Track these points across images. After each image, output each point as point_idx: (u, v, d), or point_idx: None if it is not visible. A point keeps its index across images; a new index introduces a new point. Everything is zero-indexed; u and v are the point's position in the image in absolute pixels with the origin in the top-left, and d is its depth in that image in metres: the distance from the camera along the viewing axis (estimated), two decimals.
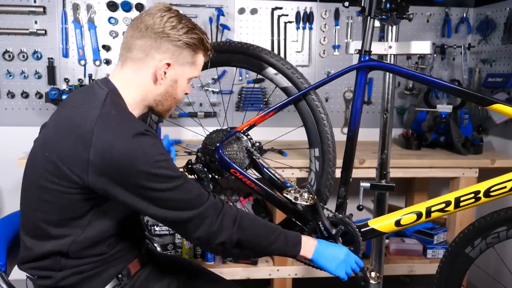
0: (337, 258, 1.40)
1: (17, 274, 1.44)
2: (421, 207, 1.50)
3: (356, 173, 1.90)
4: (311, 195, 1.49)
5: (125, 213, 1.29)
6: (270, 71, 1.68)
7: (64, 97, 2.65)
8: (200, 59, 1.33)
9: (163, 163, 1.17)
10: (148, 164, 1.14)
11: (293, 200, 1.50)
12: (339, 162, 1.64)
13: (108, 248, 1.29)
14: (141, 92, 1.29)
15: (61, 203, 1.20)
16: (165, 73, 1.27)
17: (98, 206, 1.23)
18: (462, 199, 1.44)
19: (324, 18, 2.99)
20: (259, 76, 1.70)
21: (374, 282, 1.53)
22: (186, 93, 1.39)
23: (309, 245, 1.39)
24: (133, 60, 1.27)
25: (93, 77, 2.81)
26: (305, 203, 1.49)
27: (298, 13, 2.96)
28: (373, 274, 1.51)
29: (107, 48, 2.85)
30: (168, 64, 1.27)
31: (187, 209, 1.21)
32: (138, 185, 1.15)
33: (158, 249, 1.74)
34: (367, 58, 1.58)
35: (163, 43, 1.25)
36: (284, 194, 1.53)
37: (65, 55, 2.83)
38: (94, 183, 1.15)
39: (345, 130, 2.96)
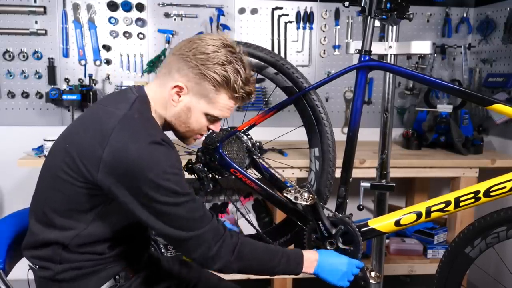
0: (339, 270, 1.40)
1: (17, 274, 1.44)
2: (421, 207, 1.49)
3: (356, 173, 1.90)
4: (311, 195, 1.49)
5: (131, 219, 1.27)
6: (270, 70, 1.68)
7: (64, 97, 2.66)
8: (222, 99, 1.26)
9: (171, 176, 1.16)
10: (156, 174, 1.13)
11: (293, 200, 1.50)
12: (339, 162, 1.63)
13: (108, 248, 1.29)
14: (163, 106, 1.28)
15: (69, 195, 1.21)
16: (179, 95, 1.25)
17: (104, 205, 1.23)
18: (462, 199, 1.44)
19: (324, 18, 2.99)
20: (259, 76, 1.70)
21: (374, 282, 1.53)
22: (209, 129, 1.34)
23: (311, 261, 1.38)
24: (161, 73, 1.29)
25: (93, 77, 2.82)
26: (305, 202, 1.49)
27: (298, 13, 2.96)
28: (372, 274, 1.51)
29: (107, 48, 2.85)
30: (181, 88, 1.24)
31: (186, 228, 1.19)
32: (142, 192, 1.14)
33: (163, 250, 1.74)
34: (367, 58, 1.58)
35: (184, 66, 1.23)
36: (284, 194, 1.53)
37: (66, 55, 2.83)
38: (102, 180, 1.16)
39: (345, 130, 2.96)
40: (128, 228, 1.30)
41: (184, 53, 1.24)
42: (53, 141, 2.34)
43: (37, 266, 1.29)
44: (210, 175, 1.71)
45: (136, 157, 1.12)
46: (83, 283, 1.27)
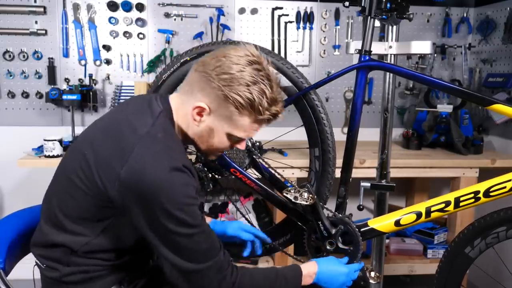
0: (338, 279, 1.41)
1: (17, 274, 1.45)
2: (421, 207, 1.49)
3: (356, 173, 1.90)
4: (311, 195, 1.50)
5: (140, 235, 1.24)
6: None
7: (64, 97, 2.66)
8: (246, 121, 1.20)
9: (186, 207, 1.13)
10: (171, 203, 1.10)
11: (293, 200, 1.50)
12: (339, 162, 1.64)
13: (116, 257, 1.28)
14: (185, 122, 1.24)
15: (81, 202, 1.20)
16: (201, 116, 1.20)
17: (114, 217, 1.22)
18: (461, 199, 1.44)
19: (324, 18, 2.99)
20: None
21: (373, 282, 1.53)
22: (233, 147, 1.31)
23: (309, 275, 1.38)
24: (183, 90, 1.25)
25: (93, 77, 2.82)
26: (305, 202, 1.49)
27: (298, 13, 2.96)
28: (372, 274, 1.52)
29: (107, 48, 2.85)
30: (203, 109, 1.19)
31: (191, 260, 1.17)
32: (155, 217, 1.12)
33: None
34: (367, 58, 1.58)
35: (207, 86, 1.17)
36: (284, 194, 1.53)
37: (66, 55, 2.83)
38: (116, 197, 1.14)
39: (345, 130, 2.96)
40: (138, 240, 1.28)
41: (207, 72, 1.17)
42: (53, 141, 2.39)
43: (44, 265, 1.29)
44: (210, 175, 1.71)
45: (154, 183, 1.09)
46: (89, 286, 1.27)
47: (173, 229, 1.13)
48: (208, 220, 1.58)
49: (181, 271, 1.19)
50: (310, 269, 1.39)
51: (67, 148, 2.50)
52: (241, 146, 1.30)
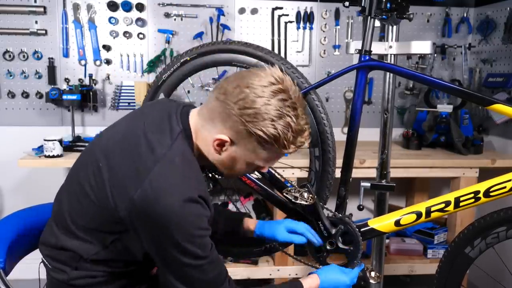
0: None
1: (17, 274, 1.45)
2: (421, 207, 1.49)
3: (356, 173, 1.90)
4: (311, 195, 1.50)
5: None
6: None
7: (64, 97, 2.66)
8: (269, 154, 1.17)
9: (197, 239, 1.11)
10: (182, 235, 1.09)
11: (293, 200, 1.50)
12: (339, 162, 1.64)
13: (124, 266, 1.28)
14: (205, 148, 1.21)
15: (91, 213, 1.19)
16: (223, 146, 1.16)
17: (123, 234, 1.20)
18: (461, 199, 1.44)
19: (324, 18, 2.99)
20: None
21: (374, 282, 1.53)
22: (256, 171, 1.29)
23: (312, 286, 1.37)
24: (204, 114, 1.19)
25: (93, 77, 2.82)
26: (305, 203, 1.49)
27: (298, 13, 2.96)
28: (372, 274, 1.51)
29: (107, 48, 2.85)
30: (225, 141, 1.15)
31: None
32: (162, 245, 1.11)
33: None
34: (367, 58, 1.58)
35: (229, 119, 1.12)
36: (284, 194, 1.53)
37: (66, 55, 2.83)
38: (126, 217, 1.13)
39: (346, 130, 2.96)
40: (146, 254, 1.27)
41: (229, 104, 1.11)
42: (53, 141, 2.40)
43: (51, 266, 1.28)
44: (210, 175, 1.71)
45: (167, 212, 1.07)
46: None
47: (181, 260, 1.11)
48: (254, 222, 1.56)
49: None
50: (311, 284, 1.37)
51: (69, 148, 2.54)
52: (264, 170, 1.30)
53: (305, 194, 1.50)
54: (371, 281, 1.50)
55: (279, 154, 1.19)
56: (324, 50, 3.02)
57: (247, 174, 1.66)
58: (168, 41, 2.86)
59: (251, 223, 1.55)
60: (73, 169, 1.30)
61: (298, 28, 2.98)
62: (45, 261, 1.31)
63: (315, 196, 1.50)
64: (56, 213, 1.30)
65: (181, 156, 1.15)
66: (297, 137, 1.15)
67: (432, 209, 1.47)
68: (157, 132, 1.17)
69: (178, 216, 1.08)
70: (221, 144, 1.16)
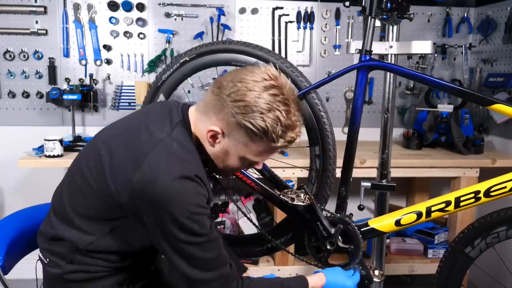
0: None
1: (17, 274, 1.45)
2: (421, 207, 1.49)
3: (357, 173, 1.89)
4: (307, 196, 1.50)
5: (149, 239, 1.24)
6: None
7: (65, 97, 2.66)
8: (260, 148, 1.19)
9: (195, 216, 1.12)
10: (180, 211, 1.11)
11: (290, 202, 1.50)
12: (340, 161, 1.63)
13: (121, 259, 1.29)
14: (202, 139, 1.24)
15: (90, 199, 1.21)
16: (216, 138, 1.20)
17: (123, 219, 1.22)
18: (462, 199, 1.44)
19: (325, 18, 2.99)
20: None
21: (377, 280, 1.53)
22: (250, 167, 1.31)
23: (318, 285, 1.39)
24: (200, 107, 1.24)
25: (94, 77, 2.82)
26: (302, 203, 1.49)
27: (299, 13, 2.96)
28: (376, 272, 1.52)
29: (108, 47, 2.85)
30: (217, 132, 1.18)
31: (197, 268, 1.17)
32: (164, 224, 1.13)
33: None
34: (367, 57, 1.58)
35: (221, 111, 1.15)
36: (281, 196, 1.54)
37: (66, 55, 2.83)
38: (127, 202, 1.15)
39: (346, 129, 2.96)
40: (143, 245, 1.29)
41: (222, 97, 1.15)
42: (54, 141, 2.40)
43: (47, 260, 1.29)
44: (211, 175, 1.71)
45: (164, 191, 1.10)
46: (90, 285, 1.27)
47: (181, 237, 1.13)
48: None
49: (189, 281, 1.19)
50: (317, 282, 1.38)
51: (69, 148, 2.54)
52: (258, 166, 1.32)
53: (302, 195, 1.51)
54: (375, 279, 1.50)
55: (270, 149, 1.20)
56: (325, 50, 3.02)
57: (248, 174, 1.66)
58: (168, 41, 2.86)
59: None
60: (74, 162, 1.32)
61: (298, 28, 2.98)
62: (41, 256, 1.32)
63: (312, 197, 1.50)
64: (56, 204, 1.31)
65: (180, 142, 1.19)
66: (286, 131, 1.16)
67: (433, 209, 1.47)
68: (158, 121, 1.22)
69: (175, 194, 1.10)
70: (214, 136, 1.19)
